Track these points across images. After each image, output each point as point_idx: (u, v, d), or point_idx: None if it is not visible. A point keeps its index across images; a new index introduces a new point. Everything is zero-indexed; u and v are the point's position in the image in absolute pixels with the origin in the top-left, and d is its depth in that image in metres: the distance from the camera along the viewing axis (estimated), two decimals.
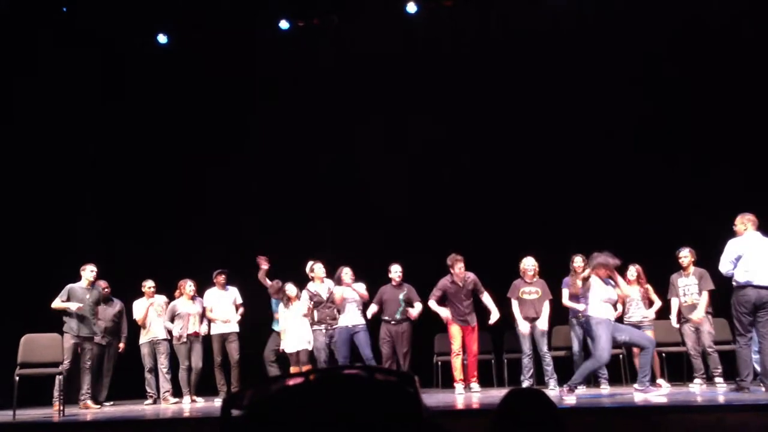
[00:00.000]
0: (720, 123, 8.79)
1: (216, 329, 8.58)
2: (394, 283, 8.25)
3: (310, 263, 8.34)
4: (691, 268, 7.66)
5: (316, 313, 8.12)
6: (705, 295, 7.49)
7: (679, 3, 9.14)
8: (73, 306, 7.52)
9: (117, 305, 8.65)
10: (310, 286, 8.20)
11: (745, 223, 6.43)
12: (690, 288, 7.65)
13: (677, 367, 8.03)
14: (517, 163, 9.53)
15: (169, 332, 8.58)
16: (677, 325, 7.76)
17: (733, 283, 6.37)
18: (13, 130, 9.21)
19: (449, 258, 7.97)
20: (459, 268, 7.90)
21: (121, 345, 8.64)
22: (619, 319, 8.12)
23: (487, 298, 8.00)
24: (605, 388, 7.65)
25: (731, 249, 6.37)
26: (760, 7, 8.75)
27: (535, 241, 8.57)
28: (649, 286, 8.00)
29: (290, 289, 8.17)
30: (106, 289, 8.47)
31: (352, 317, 7.85)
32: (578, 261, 8.02)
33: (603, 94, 9.23)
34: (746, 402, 5.57)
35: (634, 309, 7.95)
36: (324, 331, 8.06)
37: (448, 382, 8.51)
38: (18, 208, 9.01)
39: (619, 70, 9.28)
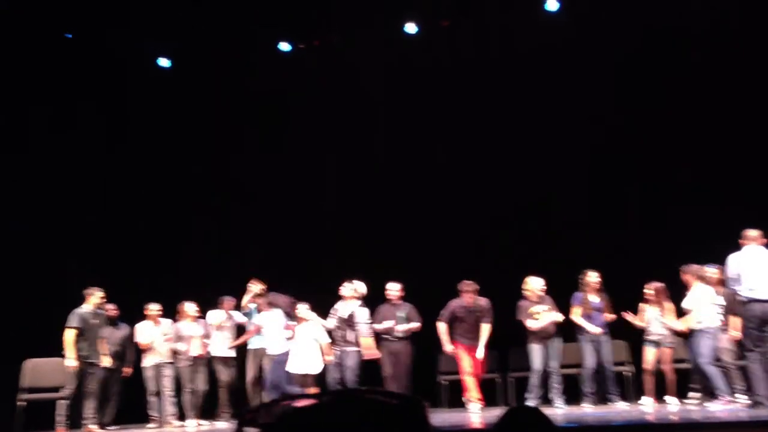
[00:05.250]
0: (725, 136, 8.76)
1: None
2: (392, 301, 8.24)
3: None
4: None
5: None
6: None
7: (673, 12, 9.15)
8: (73, 363, 7.45)
9: (123, 329, 8.56)
10: (339, 304, 8.13)
11: (746, 238, 6.51)
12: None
13: (685, 383, 7.96)
14: (520, 181, 9.52)
15: (174, 354, 8.53)
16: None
17: (740, 299, 6.38)
18: (16, 154, 9.27)
19: (460, 284, 8.07)
20: (467, 294, 8.01)
21: (127, 369, 8.56)
22: (639, 337, 8.06)
23: (484, 330, 8.04)
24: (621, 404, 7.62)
25: (730, 265, 6.44)
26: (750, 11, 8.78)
27: (536, 259, 8.56)
28: (667, 305, 7.77)
29: (301, 310, 8.09)
30: (113, 311, 8.43)
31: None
32: (594, 277, 7.98)
33: (604, 109, 9.25)
34: (756, 419, 5.52)
35: (653, 326, 7.88)
36: (338, 352, 7.99)
37: (454, 402, 8.49)
38: (21, 228, 9.01)
39: (618, 84, 9.30)
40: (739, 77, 8.79)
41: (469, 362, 7.99)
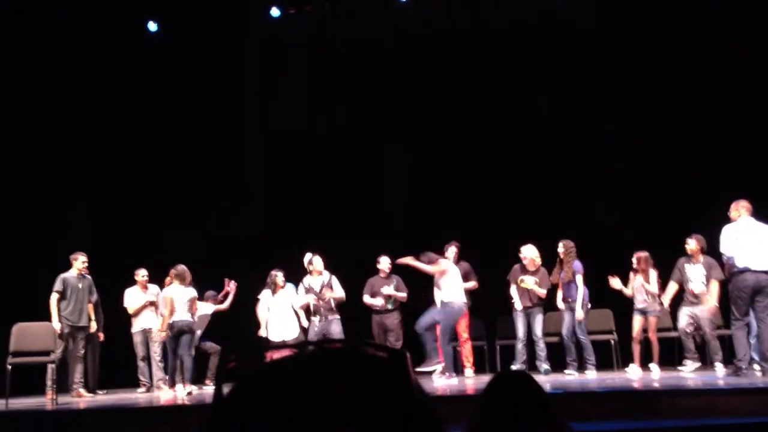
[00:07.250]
0: (723, 111, 8.73)
1: None
2: (382, 274, 8.40)
3: (308, 255, 8.17)
4: (701, 258, 7.50)
5: (313, 305, 8.10)
6: (715, 284, 7.27)
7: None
8: (56, 326, 7.50)
9: (94, 295, 8.56)
10: (306, 279, 8.17)
11: (738, 209, 6.51)
12: (698, 277, 7.57)
13: (669, 352, 8.08)
14: (514, 148, 9.49)
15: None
16: (667, 308, 7.75)
17: (733, 269, 6.42)
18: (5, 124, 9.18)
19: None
20: (450, 252, 8.21)
21: (101, 334, 8.51)
22: (624, 305, 8.16)
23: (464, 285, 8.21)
24: (592, 373, 7.71)
25: (726, 235, 6.45)
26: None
27: (535, 228, 8.57)
28: (652, 272, 7.87)
29: (279, 277, 8.13)
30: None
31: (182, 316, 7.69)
32: (560, 247, 8.06)
33: (600, 81, 9.17)
34: (736, 386, 5.62)
35: (638, 296, 7.97)
36: (318, 322, 8.05)
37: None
38: (8, 196, 8.96)
39: (614, 59, 9.22)
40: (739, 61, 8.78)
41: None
